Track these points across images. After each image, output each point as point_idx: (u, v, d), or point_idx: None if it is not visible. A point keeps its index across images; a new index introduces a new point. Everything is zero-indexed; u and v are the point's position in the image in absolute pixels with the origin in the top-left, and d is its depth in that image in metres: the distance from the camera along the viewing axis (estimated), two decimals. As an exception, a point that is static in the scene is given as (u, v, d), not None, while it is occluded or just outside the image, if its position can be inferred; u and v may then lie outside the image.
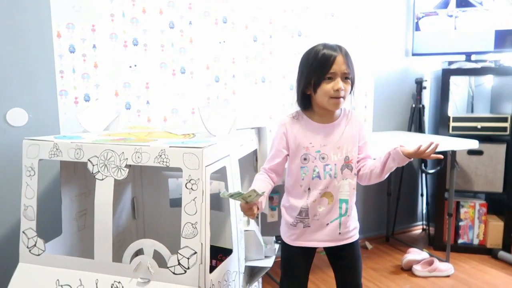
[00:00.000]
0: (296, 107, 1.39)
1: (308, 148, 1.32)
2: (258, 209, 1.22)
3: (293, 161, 1.35)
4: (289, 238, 1.40)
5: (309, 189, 1.33)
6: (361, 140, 1.37)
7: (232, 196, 1.16)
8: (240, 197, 1.16)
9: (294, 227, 1.38)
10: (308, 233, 1.36)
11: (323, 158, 1.32)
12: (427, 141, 1.25)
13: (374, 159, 1.37)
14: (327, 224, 1.35)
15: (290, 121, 1.37)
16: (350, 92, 1.32)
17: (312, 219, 1.34)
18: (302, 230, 1.37)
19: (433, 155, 1.24)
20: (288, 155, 1.36)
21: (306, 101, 1.36)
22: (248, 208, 1.20)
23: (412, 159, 1.27)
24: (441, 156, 1.26)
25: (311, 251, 1.41)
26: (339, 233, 1.36)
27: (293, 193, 1.37)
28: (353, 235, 1.40)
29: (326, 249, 1.42)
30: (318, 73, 1.26)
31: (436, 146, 1.23)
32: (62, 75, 1.92)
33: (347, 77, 1.27)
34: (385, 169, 1.30)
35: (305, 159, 1.33)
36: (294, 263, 1.42)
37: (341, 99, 1.27)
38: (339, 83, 1.25)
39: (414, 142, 1.31)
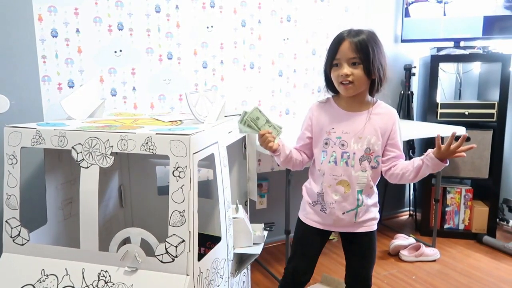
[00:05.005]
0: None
1: (329, 133, 1.33)
2: (273, 143, 1.30)
3: (316, 145, 1.38)
4: (305, 216, 1.42)
5: (324, 174, 1.34)
6: (392, 138, 1.33)
7: (242, 121, 1.28)
8: (247, 118, 1.28)
9: (312, 207, 1.40)
10: (324, 217, 1.38)
11: (342, 145, 1.32)
12: (450, 133, 1.20)
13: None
14: (343, 213, 1.34)
15: (317, 106, 1.40)
16: (377, 80, 1.28)
17: (328, 206, 1.35)
18: (319, 212, 1.38)
19: (464, 147, 1.18)
20: (311, 137, 1.39)
21: (332, 85, 1.36)
22: (263, 138, 1.29)
23: (447, 163, 1.22)
24: (474, 146, 1.20)
25: (325, 233, 1.43)
26: (355, 222, 1.36)
27: (313, 176, 1.41)
28: (371, 225, 1.39)
29: (342, 234, 1.43)
30: (328, 60, 1.31)
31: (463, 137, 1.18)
32: (45, 60, 1.86)
33: (355, 63, 1.25)
34: (419, 175, 1.28)
35: (326, 143, 1.34)
36: (307, 242, 1.43)
37: (351, 84, 1.26)
38: (344, 69, 1.25)
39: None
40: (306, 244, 1.44)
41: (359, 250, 1.42)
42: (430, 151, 1.25)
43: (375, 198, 1.40)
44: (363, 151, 1.31)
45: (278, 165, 1.81)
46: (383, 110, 1.35)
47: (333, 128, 1.33)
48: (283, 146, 1.33)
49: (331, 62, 1.28)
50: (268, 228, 1.75)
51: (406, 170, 1.31)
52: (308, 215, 1.42)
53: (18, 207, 1.36)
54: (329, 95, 1.41)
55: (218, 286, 1.43)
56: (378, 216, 1.42)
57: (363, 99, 1.34)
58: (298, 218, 1.46)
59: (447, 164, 1.24)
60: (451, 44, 2.74)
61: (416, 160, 1.29)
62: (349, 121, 1.33)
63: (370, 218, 1.39)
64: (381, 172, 1.37)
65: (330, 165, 1.33)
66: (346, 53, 1.25)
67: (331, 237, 1.42)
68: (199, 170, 1.58)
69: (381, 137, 1.32)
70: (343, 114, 1.34)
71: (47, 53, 1.86)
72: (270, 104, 2.47)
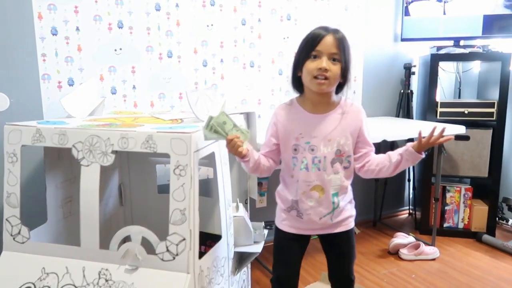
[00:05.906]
0: (292, 94, 1.36)
1: (298, 139, 1.29)
2: (243, 148, 1.22)
3: (285, 151, 1.32)
4: (281, 223, 1.38)
5: (298, 180, 1.30)
6: (361, 135, 1.31)
7: (208, 126, 1.19)
8: (214, 123, 1.19)
9: (287, 213, 1.36)
10: (300, 222, 1.34)
11: (312, 149, 1.28)
12: (428, 128, 1.25)
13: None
14: (320, 218, 1.32)
15: (282, 111, 1.33)
16: (345, 81, 1.26)
17: (305, 213, 1.32)
18: (295, 218, 1.34)
19: (442, 139, 1.23)
20: (278, 144, 1.33)
21: (299, 84, 1.31)
22: (231, 143, 1.21)
23: (423, 155, 1.25)
24: (452, 137, 1.25)
25: (305, 238, 1.40)
26: (331, 223, 1.34)
27: (286, 182, 1.36)
28: (348, 223, 1.37)
29: (320, 236, 1.41)
30: (305, 51, 1.23)
31: (443, 130, 1.24)
32: (45, 58, 1.86)
33: (335, 59, 1.21)
34: (398, 169, 1.28)
35: (295, 149, 1.29)
36: (287, 249, 1.40)
37: (326, 80, 1.20)
38: (323, 62, 1.19)
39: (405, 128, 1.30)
40: (286, 251, 1.40)
41: (339, 250, 1.40)
42: (409, 145, 1.25)
43: (349, 196, 1.38)
44: (333, 154, 1.28)
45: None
46: (349, 108, 1.31)
47: (301, 134, 1.28)
48: (252, 151, 1.27)
49: (309, 53, 1.21)
50: (268, 227, 1.76)
51: (383, 165, 1.30)
52: (284, 221, 1.37)
53: (18, 205, 1.36)
54: (293, 96, 1.35)
55: (219, 284, 1.43)
56: (354, 212, 1.40)
57: (329, 99, 1.29)
58: (275, 225, 1.42)
59: (424, 156, 1.26)
60: (451, 43, 2.74)
61: (394, 156, 1.28)
62: (317, 124, 1.28)
63: (346, 217, 1.37)
64: (354, 169, 1.35)
65: (302, 172, 1.28)
66: (329, 47, 1.20)
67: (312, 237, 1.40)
68: (199, 169, 1.58)
69: (350, 136, 1.29)
70: (310, 117, 1.29)
71: (47, 51, 1.86)
72: (269, 103, 2.46)
